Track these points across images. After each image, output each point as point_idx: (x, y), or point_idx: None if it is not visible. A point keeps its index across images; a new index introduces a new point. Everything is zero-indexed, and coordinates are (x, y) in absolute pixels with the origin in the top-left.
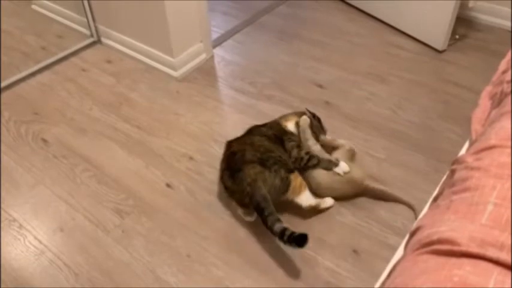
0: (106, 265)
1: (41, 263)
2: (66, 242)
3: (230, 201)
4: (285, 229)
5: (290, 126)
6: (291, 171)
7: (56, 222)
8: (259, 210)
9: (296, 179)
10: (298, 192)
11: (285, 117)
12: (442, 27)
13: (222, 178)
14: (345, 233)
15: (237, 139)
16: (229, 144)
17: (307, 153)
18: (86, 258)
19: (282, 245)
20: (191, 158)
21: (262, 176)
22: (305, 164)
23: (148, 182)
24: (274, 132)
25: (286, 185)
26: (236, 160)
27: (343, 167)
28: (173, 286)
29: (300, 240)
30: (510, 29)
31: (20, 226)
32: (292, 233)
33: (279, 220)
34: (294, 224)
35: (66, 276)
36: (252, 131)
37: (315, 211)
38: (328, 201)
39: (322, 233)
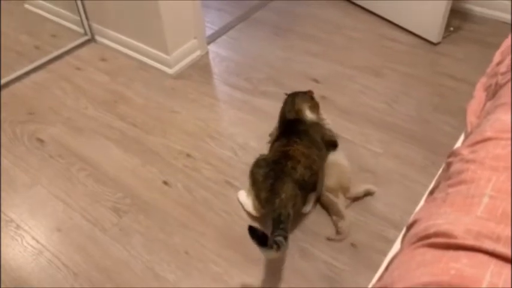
0: (104, 264)
1: (39, 263)
2: (64, 241)
3: (232, 195)
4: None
5: (309, 114)
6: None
7: (54, 222)
8: (277, 222)
9: None
10: None
11: (300, 108)
12: (436, 20)
13: (259, 162)
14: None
15: (301, 133)
16: (290, 136)
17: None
18: (84, 258)
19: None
20: (188, 155)
21: (294, 200)
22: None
23: (146, 180)
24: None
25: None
26: (284, 167)
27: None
28: (172, 283)
29: (262, 239)
30: (504, 21)
31: (18, 226)
32: (272, 237)
33: (286, 238)
34: (293, 219)
35: (64, 275)
36: (308, 132)
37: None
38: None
39: (320, 227)
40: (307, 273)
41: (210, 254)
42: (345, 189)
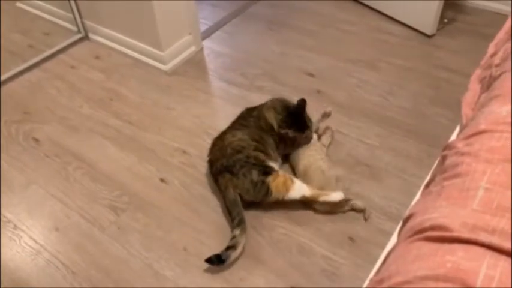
0: (103, 262)
1: (37, 263)
2: (62, 240)
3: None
4: (233, 237)
5: (270, 116)
6: (267, 172)
7: (51, 222)
8: (229, 213)
9: (276, 179)
10: (285, 190)
11: (267, 107)
12: (430, 12)
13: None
14: (340, 220)
15: (217, 138)
16: (211, 146)
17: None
18: (82, 257)
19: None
20: (184, 152)
21: (232, 183)
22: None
23: (142, 177)
24: (262, 125)
25: (264, 188)
26: (213, 172)
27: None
28: (171, 280)
29: (215, 258)
30: (499, 11)
31: (15, 227)
32: (228, 247)
33: (237, 225)
34: (289, 214)
35: (63, 275)
36: (234, 123)
37: (317, 203)
38: (333, 196)
39: (318, 221)
40: (306, 268)
41: (208, 250)
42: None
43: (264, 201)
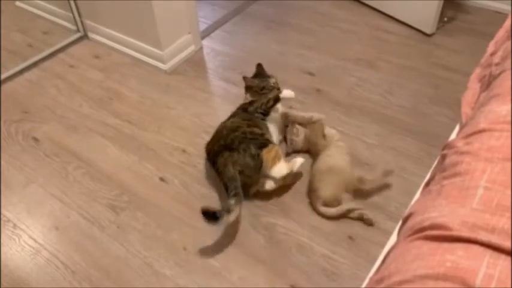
0: (103, 262)
1: (37, 262)
2: (61, 240)
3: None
4: (226, 206)
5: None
6: (263, 145)
7: (51, 221)
8: (226, 189)
9: (269, 152)
10: (271, 165)
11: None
12: (430, 11)
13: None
14: (339, 220)
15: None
16: (208, 143)
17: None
18: (82, 256)
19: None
20: (184, 151)
21: (231, 159)
22: (266, 106)
23: (142, 176)
24: (246, 106)
25: (259, 161)
26: (210, 157)
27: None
28: (171, 279)
29: (212, 216)
30: (498, 10)
31: (15, 226)
32: (223, 209)
33: (233, 196)
34: (289, 213)
35: (63, 274)
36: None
37: (291, 179)
38: (298, 160)
39: (317, 221)
40: (306, 267)
41: (208, 249)
42: (349, 190)
43: (258, 176)
